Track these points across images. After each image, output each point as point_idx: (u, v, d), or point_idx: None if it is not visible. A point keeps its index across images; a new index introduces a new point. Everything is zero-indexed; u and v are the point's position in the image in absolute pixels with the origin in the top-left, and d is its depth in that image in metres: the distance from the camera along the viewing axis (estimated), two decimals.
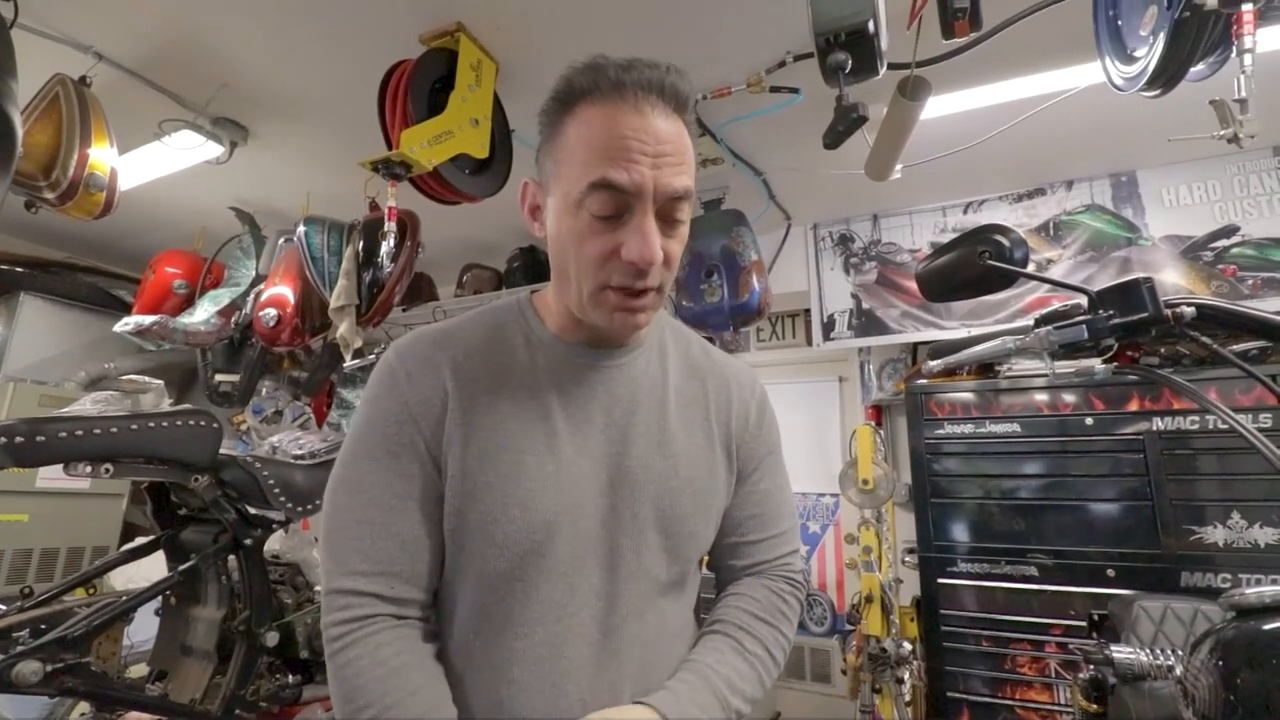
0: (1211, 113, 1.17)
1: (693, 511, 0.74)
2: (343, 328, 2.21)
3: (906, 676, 2.23)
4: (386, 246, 1.75)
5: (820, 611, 3.10)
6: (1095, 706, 1.42)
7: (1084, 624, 1.76)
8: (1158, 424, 2.15)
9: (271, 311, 2.45)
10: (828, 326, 2.92)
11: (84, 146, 1.89)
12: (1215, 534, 2.03)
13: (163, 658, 1.42)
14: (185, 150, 2.30)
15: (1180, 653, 1.11)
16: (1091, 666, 1.39)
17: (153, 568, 1.79)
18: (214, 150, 2.30)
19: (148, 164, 2.41)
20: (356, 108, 2.02)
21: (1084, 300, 0.79)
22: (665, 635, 0.73)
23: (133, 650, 1.43)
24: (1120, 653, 1.20)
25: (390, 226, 1.70)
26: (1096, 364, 0.73)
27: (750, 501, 0.81)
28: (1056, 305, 0.81)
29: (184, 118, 2.17)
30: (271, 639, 1.33)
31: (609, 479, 0.72)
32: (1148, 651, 1.19)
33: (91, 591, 1.51)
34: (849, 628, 2.43)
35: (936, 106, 1.97)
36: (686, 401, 0.78)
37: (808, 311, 3.20)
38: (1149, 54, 1.23)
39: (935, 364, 0.83)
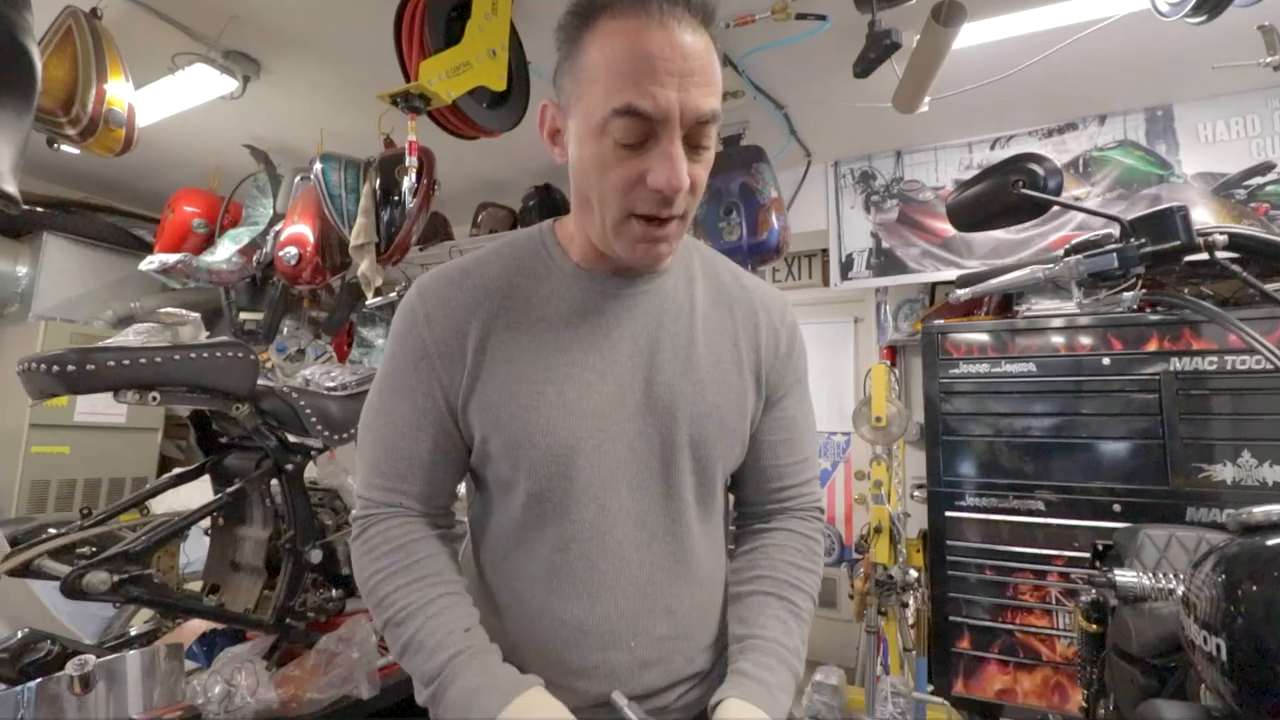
0: (1257, 40, 1.13)
1: (720, 436, 0.75)
2: (364, 266, 2.23)
3: (911, 601, 2.33)
4: (408, 181, 1.75)
5: (829, 543, 3.21)
6: (1095, 626, 1.50)
7: (1086, 555, 1.82)
8: (1175, 364, 2.16)
9: (292, 250, 2.47)
10: (846, 266, 2.90)
11: (100, 81, 1.87)
12: (1224, 472, 2.06)
13: (215, 573, 1.51)
14: (198, 85, 2.27)
15: (1183, 575, 1.16)
16: (1094, 590, 1.46)
17: (191, 498, 1.89)
18: (227, 85, 2.27)
19: (162, 100, 2.39)
20: (368, 40, 1.98)
21: (1115, 231, 0.80)
22: (696, 553, 0.76)
23: (186, 568, 1.52)
24: (1124, 576, 1.25)
25: (411, 161, 1.69)
26: (1125, 295, 0.73)
27: (780, 426, 0.82)
28: (1087, 235, 0.81)
29: (196, 51, 2.13)
30: (315, 556, 1.42)
31: (636, 404, 0.73)
32: (1150, 575, 1.24)
33: (144, 515, 1.60)
34: (856, 557, 2.53)
35: (967, 35, 1.89)
36: (714, 328, 0.78)
37: (825, 251, 3.18)
38: None
39: (963, 292, 0.84)
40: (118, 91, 1.94)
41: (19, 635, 1.16)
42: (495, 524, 0.77)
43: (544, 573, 0.72)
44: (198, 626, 1.52)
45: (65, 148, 2.05)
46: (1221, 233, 0.71)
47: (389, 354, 0.76)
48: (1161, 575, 1.24)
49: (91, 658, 1.11)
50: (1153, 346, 2.19)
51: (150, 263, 2.66)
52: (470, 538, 0.83)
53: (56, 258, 3.32)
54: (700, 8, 0.64)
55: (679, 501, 0.74)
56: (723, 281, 0.82)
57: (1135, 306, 2.18)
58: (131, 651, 1.17)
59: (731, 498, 0.89)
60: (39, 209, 3.25)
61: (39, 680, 1.07)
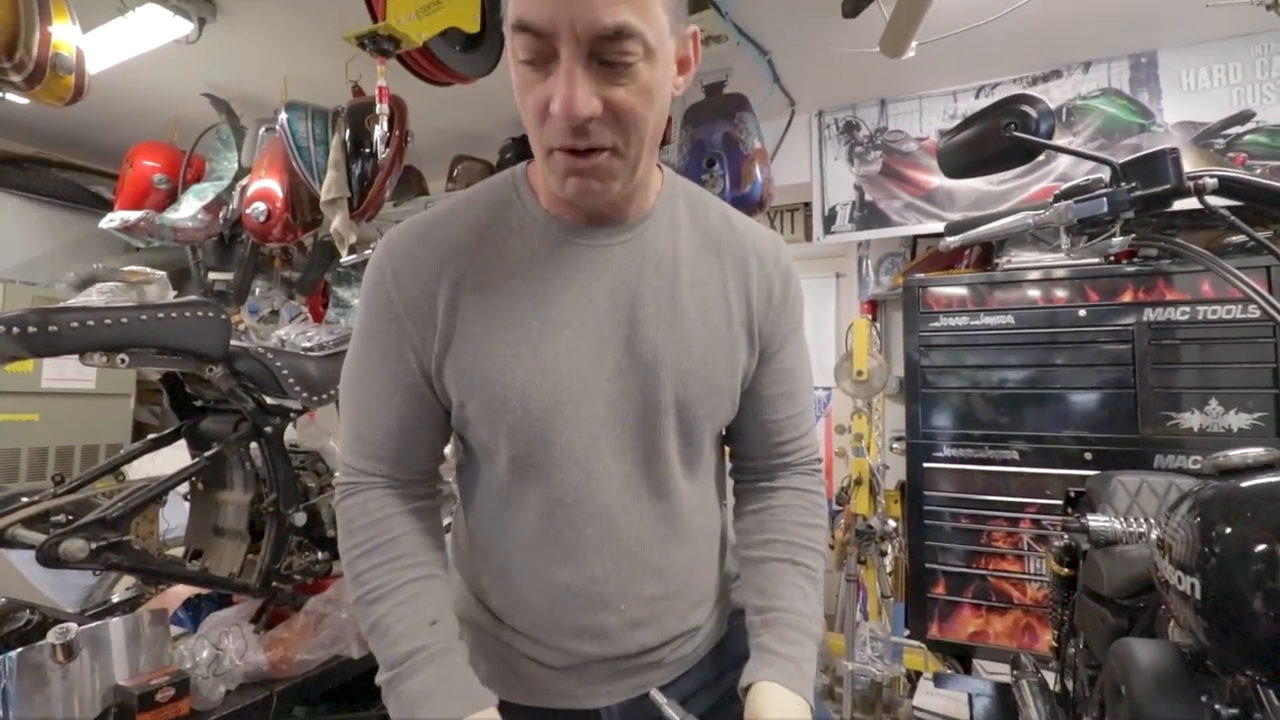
0: None
1: (708, 394, 0.72)
2: (336, 221, 2.15)
3: (890, 550, 2.40)
4: (380, 130, 1.68)
5: None
6: (1066, 570, 1.55)
7: (1058, 503, 1.88)
8: (1149, 315, 2.20)
9: (260, 206, 2.38)
10: (829, 220, 2.87)
11: (45, 23, 1.75)
12: (1191, 419, 2.13)
13: (197, 538, 1.49)
14: (150, 27, 2.14)
15: (1154, 520, 1.19)
16: (1067, 535, 1.51)
17: (168, 464, 1.85)
18: (182, 27, 2.14)
19: (112, 44, 2.25)
20: None
21: (1105, 176, 0.79)
22: (685, 511, 0.74)
23: (167, 534, 1.51)
24: (1096, 521, 1.29)
25: (382, 108, 1.62)
26: (1114, 240, 0.73)
27: (778, 379, 0.79)
28: (1077, 181, 0.80)
29: None
30: (300, 519, 1.40)
31: (616, 363, 0.69)
32: (1122, 520, 1.28)
33: (120, 479, 1.57)
34: (837, 509, 2.59)
35: None
36: (701, 279, 0.73)
37: (807, 205, 3.14)
38: None
39: (952, 240, 0.83)
40: (64, 34, 1.82)
41: None
42: (482, 486, 0.75)
43: (531, 537, 0.71)
44: (181, 592, 1.51)
45: (11, 96, 1.93)
46: (1212, 176, 0.70)
47: (360, 313, 0.74)
48: (1133, 520, 1.28)
49: (73, 625, 1.09)
50: (1128, 298, 2.22)
51: (111, 220, 2.55)
52: (460, 497, 0.82)
53: (12, 217, 3.18)
54: None
55: (663, 462, 0.72)
56: (710, 225, 0.76)
57: (1121, 253, 2.18)
58: (114, 618, 1.15)
59: (727, 450, 0.87)
60: None
61: (20, 650, 1.05)
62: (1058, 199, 0.78)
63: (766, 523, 0.80)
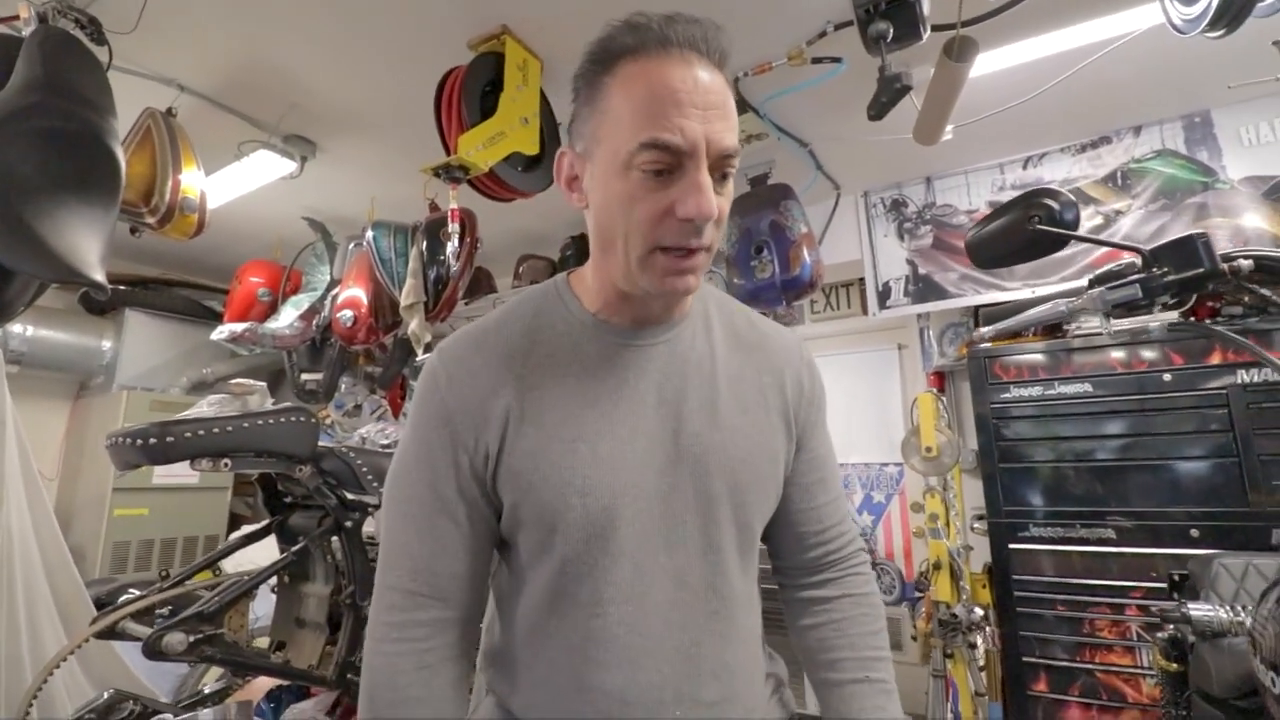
0: None
1: (753, 483, 0.74)
2: (413, 324, 2.34)
3: (979, 641, 2.23)
4: (451, 246, 1.86)
5: (889, 580, 3.11)
6: (1175, 665, 1.41)
7: (1165, 586, 1.72)
8: (1243, 376, 2.05)
9: (348, 313, 2.62)
10: (883, 295, 2.88)
11: (176, 173, 2.06)
12: None
13: (281, 630, 1.58)
14: (262, 168, 2.47)
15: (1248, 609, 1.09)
16: (1170, 626, 1.38)
17: (258, 553, 1.98)
18: (287, 166, 2.46)
19: (229, 184, 2.61)
20: (413, 116, 2.13)
21: (1139, 259, 0.80)
22: (737, 605, 0.74)
23: (255, 624, 1.60)
24: (1198, 610, 1.19)
25: (454, 227, 1.80)
26: (1152, 320, 0.73)
27: (813, 467, 0.82)
28: (1111, 265, 0.81)
29: (259, 138, 2.33)
30: None
31: (666, 457, 0.72)
32: (1227, 609, 1.18)
33: (217, 574, 1.70)
34: (918, 595, 2.44)
35: (987, 61, 1.91)
36: (736, 374, 0.78)
37: (861, 280, 3.16)
38: None
39: (987, 330, 0.84)
40: (191, 180, 2.14)
41: (105, 696, 1.24)
42: (527, 592, 0.74)
43: (580, 641, 0.69)
44: (265, 683, 1.59)
45: (145, 234, 2.25)
46: (1247, 258, 0.70)
47: (411, 420, 0.75)
48: (1240, 608, 1.17)
49: (169, 717, 1.17)
50: (1216, 359, 2.09)
51: (220, 333, 2.86)
52: (495, 607, 0.82)
53: (137, 331, 3.58)
54: (716, 50, 0.67)
55: (719, 555, 0.72)
56: (737, 327, 0.83)
57: (1200, 312, 2.05)
58: (205, 711, 1.23)
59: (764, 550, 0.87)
60: (121, 287, 3.54)
61: None
62: (1092, 284, 0.79)
63: (831, 640, 0.79)
